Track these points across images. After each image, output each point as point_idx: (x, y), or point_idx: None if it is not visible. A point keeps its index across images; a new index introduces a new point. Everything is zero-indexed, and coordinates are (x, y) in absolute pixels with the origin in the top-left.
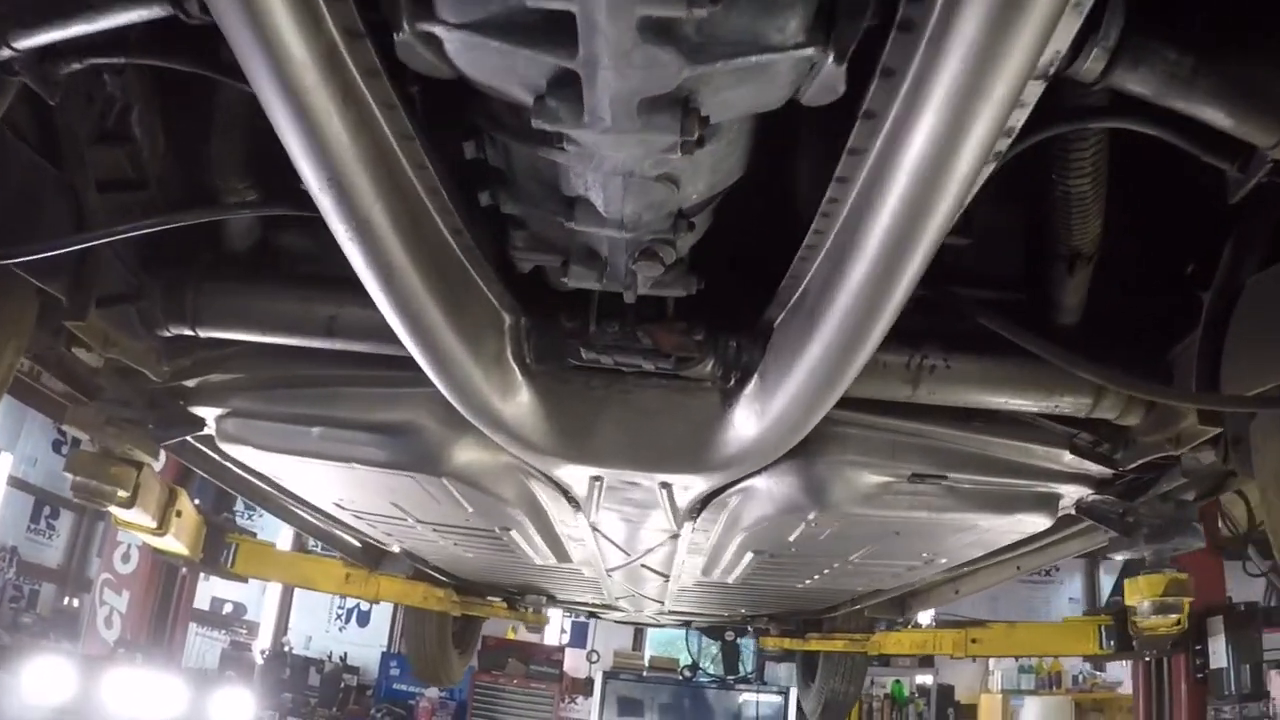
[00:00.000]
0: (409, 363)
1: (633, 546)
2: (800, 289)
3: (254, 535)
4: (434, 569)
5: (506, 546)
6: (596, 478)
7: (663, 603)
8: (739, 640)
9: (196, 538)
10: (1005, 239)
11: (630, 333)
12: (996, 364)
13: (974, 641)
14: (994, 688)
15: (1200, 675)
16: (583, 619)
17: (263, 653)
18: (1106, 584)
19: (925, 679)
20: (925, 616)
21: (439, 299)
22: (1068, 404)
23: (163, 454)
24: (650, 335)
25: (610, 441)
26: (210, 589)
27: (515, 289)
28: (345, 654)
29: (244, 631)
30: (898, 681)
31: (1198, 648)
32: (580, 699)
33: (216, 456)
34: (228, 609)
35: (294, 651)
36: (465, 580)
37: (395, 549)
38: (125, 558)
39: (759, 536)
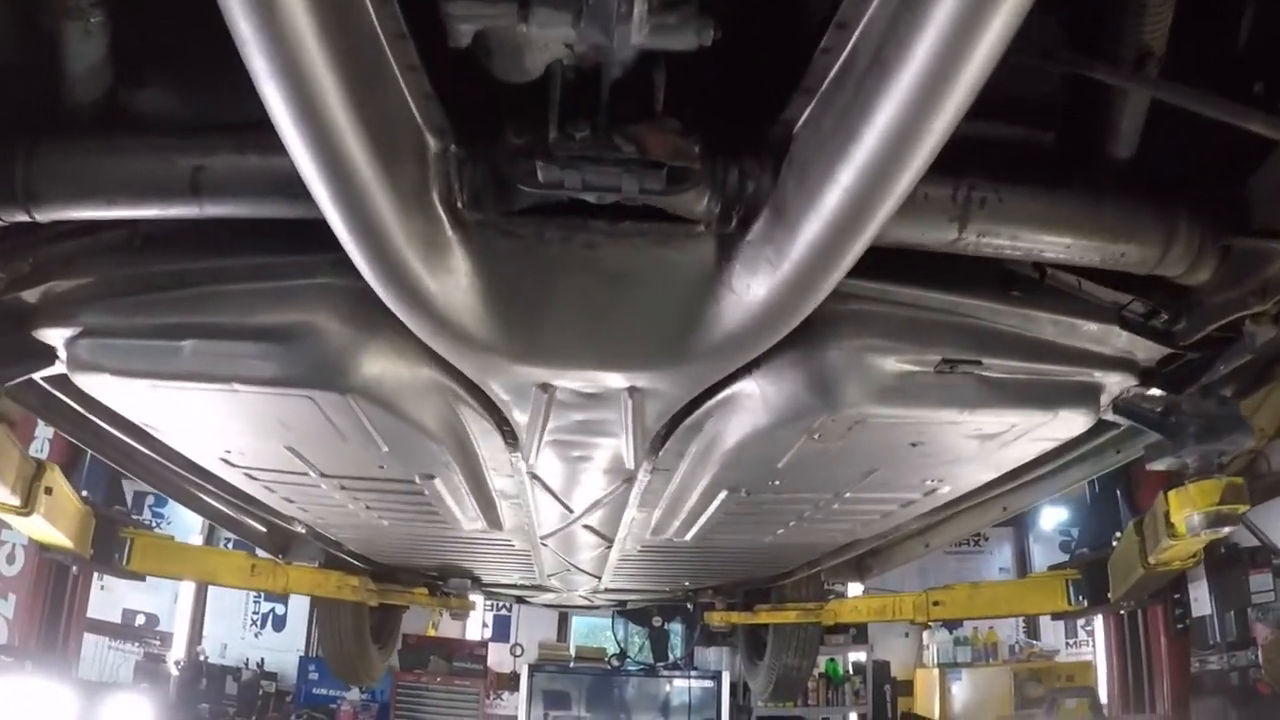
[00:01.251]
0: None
1: (575, 500)
2: (842, 58)
3: (151, 529)
4: (348, 554)
5: (428, 507)
6: (545, 387)
7: (599, 578)
8: (667, 625)
9: (82, 530)
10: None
11: (605, 137)
12: (1052, 202)
13: (936, 604)
14: (929, 662)
15: (1181, 625)
16: (505, 612)
17: (177, 663)
18: (1036, 552)
19: (859, 656)
20: (854, 589)
21: (350, 100)
22: (1133, 253)
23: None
24: (634, 139)
25: (567, 326)
26: (120, 600)
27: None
28: (262, 660)
29: (157, 643)
30: (832, 660)
31: (1176, 596)
32: (506, 694)
33: (73, 404)
34: (140, 620)
35: (209, 660)
36: (381, 564)
37: (300, 528)
38: (10, 558)
39: (740, 464)
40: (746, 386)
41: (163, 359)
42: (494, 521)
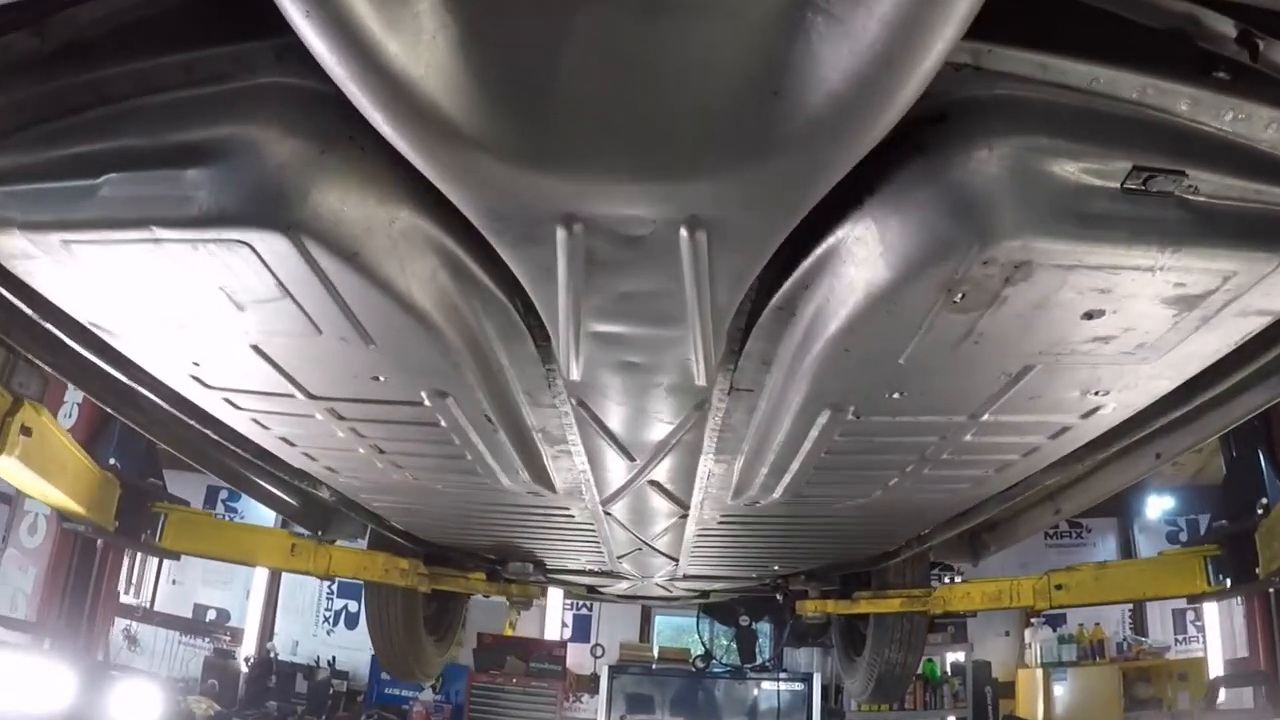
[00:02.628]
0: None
1: (636, 442)
2: None
3: (187, 504)
4: (391, 530)
5: (454, 450)
6: (568, 222)
7: (676, 561)
8: (755, 625)
9: (100, 497)
10: None
11: None
12: None
13: (1059, 588)
14: (1032, 662)
15: None
16: (586, 611)
17: (247, 660)
18: (1141, 543)
19: (958, 656)
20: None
21: None
22: None
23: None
24: None
25: (586, 97)
26: (191, 595)
27: None
28: (334, 658)
29: (228, 638)
30: (930, 660)
31: None
32: (586, 697)
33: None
34: (211, 616)
35: (280, 658)
36: (430, 544)
37: (326, 493)
38: (32, 528)
39: (848, 364)
40: (856, 229)
41: (74, 202)
42: (541, 477)
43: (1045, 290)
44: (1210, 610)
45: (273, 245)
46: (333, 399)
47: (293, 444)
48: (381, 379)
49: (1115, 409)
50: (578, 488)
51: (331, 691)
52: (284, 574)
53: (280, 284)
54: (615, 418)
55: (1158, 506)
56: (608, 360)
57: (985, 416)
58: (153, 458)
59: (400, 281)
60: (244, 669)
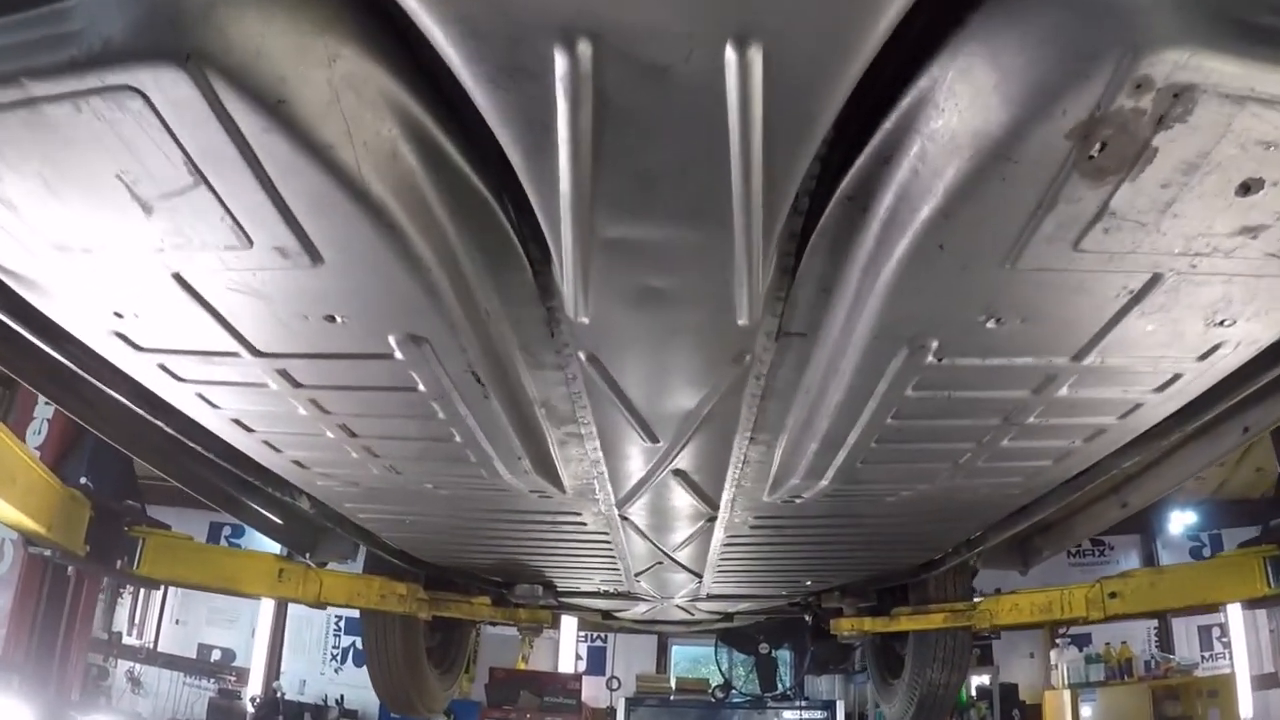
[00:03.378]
0: None
1: (658, 414)
2: None
3: (168, 528)
4: (384, 550)
5: (439, 428)
6: (568, 42)
7: (700, 577)
8: (775, 652)
9: (67, 518)
10: None
11: None
12: None
13: (1112, 596)
14: (1059, 683)
15: None
16: (601, 642)
17: (253, 700)
18: (1164, 558)
19: (983, 679)
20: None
21: None
22: None
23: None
24: None
25: None
26: (196, 635)
27: None
28: (342, 696)
29: (233, 678)
30: None
31: None
32: None
33: None
34: (216, 655)
35: (286, 697)
36: (429, 564)
37: (307, 503)
38: None
39: (941, 269)
40: (958, 59)
41: None
42: (546, 468)
43: (1204, 140)
44: (1235, 624)
45: (170, 89)
46: (284, 355)
47: (249, 428)
48: (339, 320)
49: (1237, 348)
50: (590, 485)
51: None
52: (289, 611)
53: (188, 158)
54: (634, 380)
55: (1180, 522)
56: (624, 288)
57: (1089, 358)
58: (130, 478)
59: (346, 152)
60: (250, 709)
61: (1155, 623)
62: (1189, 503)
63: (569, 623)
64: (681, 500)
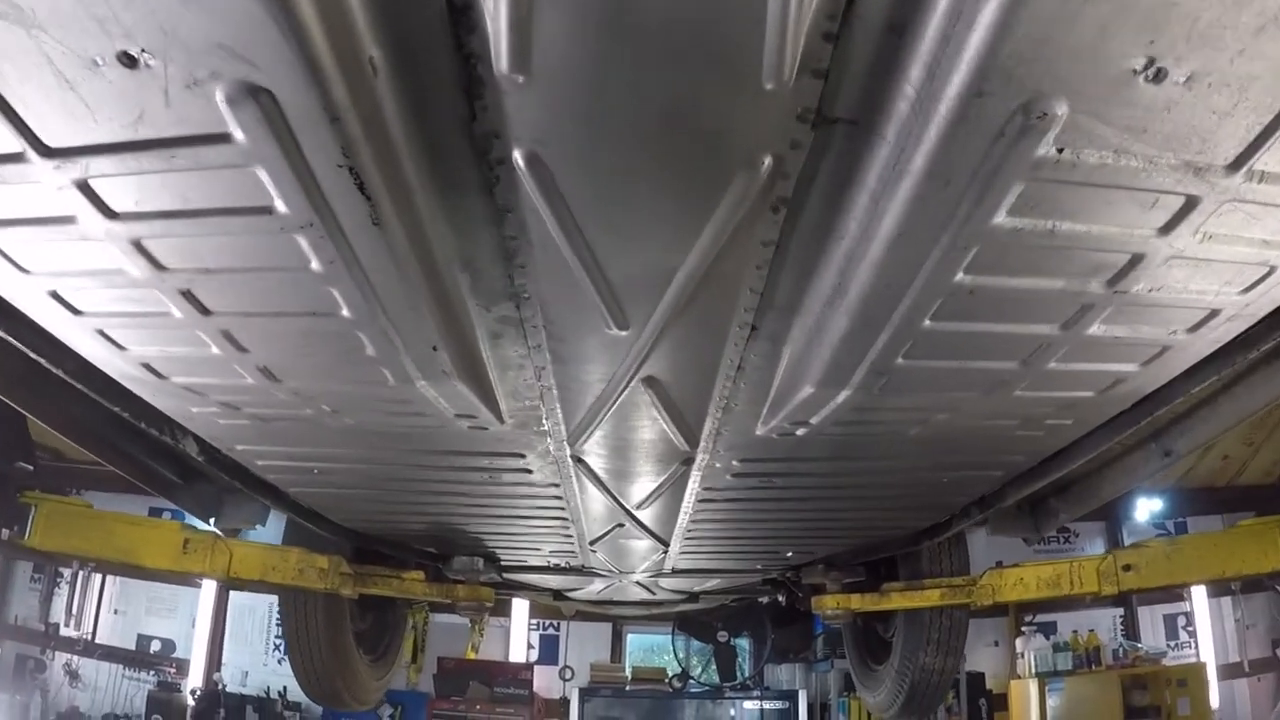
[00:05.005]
0: None
1: (631, 272)
2: None
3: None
4: (295, 509)
5: (319, 303)
6: None
7: (666, 546)
8: (734, 641)
9: None
10: None
11: None
12: None
13: (1126, 569)
14: (1024, 672)
15: None
16: (554, 630)
17: (193, 693)
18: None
19: None
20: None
21: None
22: None
23: None
24: None
25: None
26: (135, 625)
27: None
28: (285, 688)
29: (173, 670)
30: None
31: None
32: None
33: None
34: (155, 647)
35: (228, 689)
36: (355, 532)
37: (193, 448)
38: None
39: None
40: None
41: None
42: (474, 375)
43: None
44: (1201, 613)
45: None
46: (82, 151)
47: (74, 308)
48: (143, 61)
49: None
50: (534, 410)
51: None
52: (230, 600)
53: None
54: (598, 208)
55: (1146, 509)
56: (587, 18)
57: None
58: (21, 438)
59: None
60: (190, 702)
61: (1121, 610)
62: (1154, 490)
63: (520, 610)
64: (652, 431)
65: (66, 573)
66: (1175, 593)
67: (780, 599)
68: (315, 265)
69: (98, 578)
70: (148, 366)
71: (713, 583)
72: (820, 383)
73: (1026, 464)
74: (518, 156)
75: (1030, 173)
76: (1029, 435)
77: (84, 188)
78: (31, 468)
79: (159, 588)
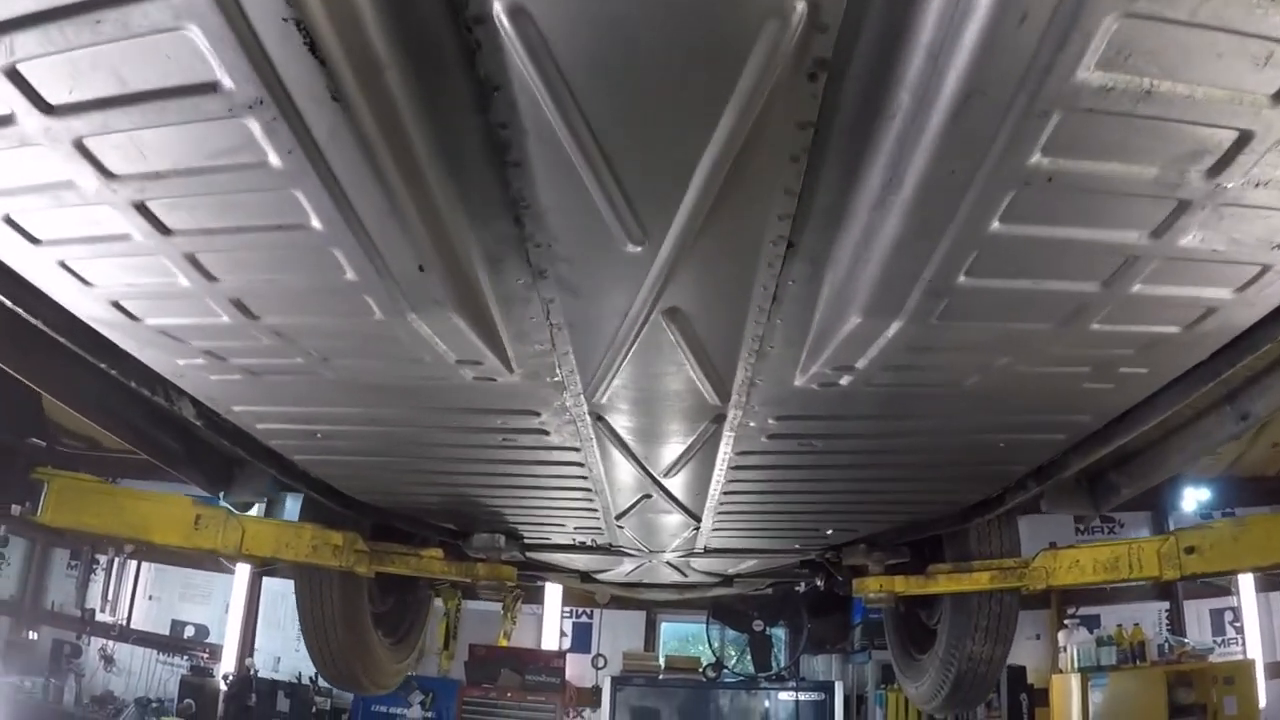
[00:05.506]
0: None
1: (646, 136)
2: None
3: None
4: (304, 480)
5: (288, 216)
6: None
7: (698, 522)
8: (769, 630)
9: None
10: None
11: None
12: None
13: (1189, 551)
14: (1067, 666)
15: None
16: (586, 618)
17: (226, 678)
18: None
19: None
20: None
21: None
22: None
23: None
24: None
25: None
26: (169, 611)
27: None
28: (316, 674)
29: (205, 655)
30: None
31: None
32: (587, 711)
33: None
34: (189, 632)
35: (260, 674)
36: (369, 505)
37: (190, 410)
38: None
39: None
40: None
41: None
42: (468, 302)
43: None
44: (1249, 608)
45: None
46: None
47: (34, 236)
48: None
49: None
50: (545, 356)
51: (315, 709)
52: (264, 586)
53: None
54: (594, 86)
55: (1194, 499)
56: None
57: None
58: (35, 413)
59: None
60: (223, 687)
61: (1166, 604)
62: (1202, 479)
63: (553, 598)
64: (678, 380)
65: (103, 559)
66: (1222, 587)
67: (819, 583)
68: (273, 159)
69: (133, 564)
70: (118, 306)
71: (748, 564)
72: (868, 310)
73: (1092, 425)
74: (499, 11)
75: (1125, 4)
76: (1099, 389)
77: (13, 76)
78: (44, 443)
79: (193, 574)
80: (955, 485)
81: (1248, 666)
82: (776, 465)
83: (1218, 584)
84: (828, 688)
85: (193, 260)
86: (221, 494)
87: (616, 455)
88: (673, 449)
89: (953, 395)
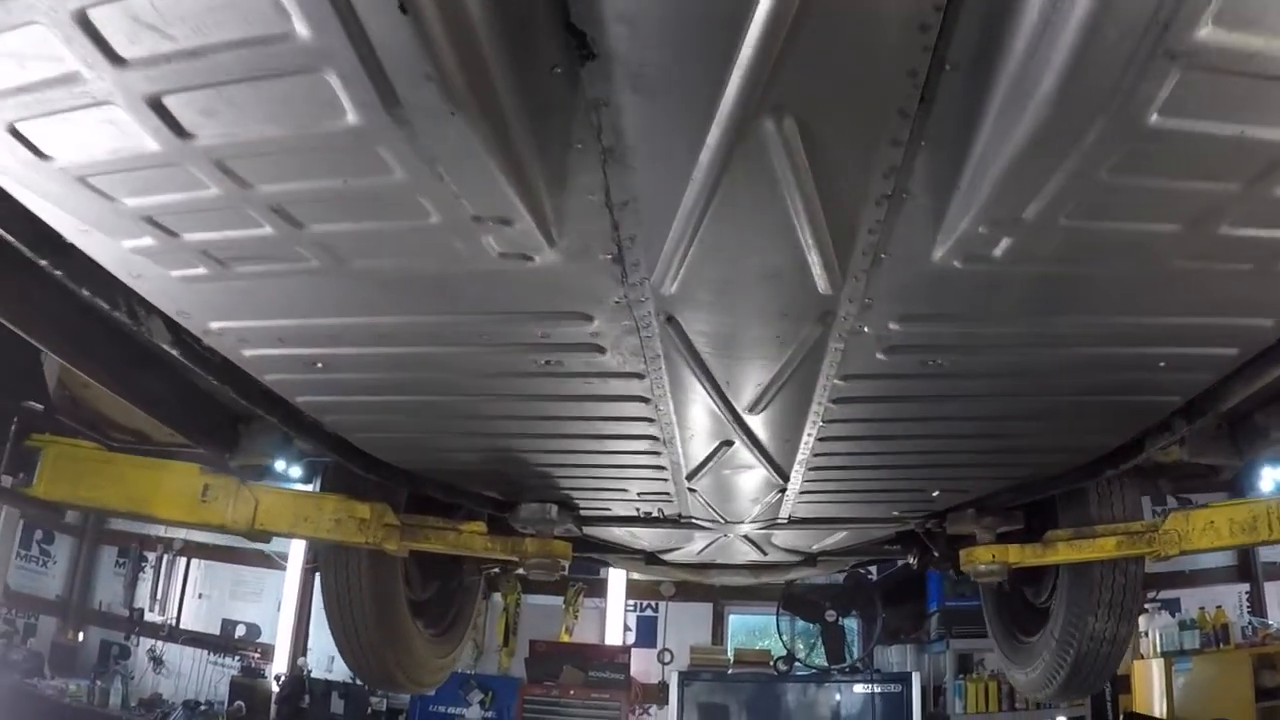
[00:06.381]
0: None
1: None
2: None
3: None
4: (320, 438)
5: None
6: None
7: (784, 485)
8: (842, 621)
9: None
10: None
11: None
12: None
13: None
14: (1148, 651)
15: None
16: (651, 612)
17: (278, 678)
18: None
19: None
20: None
21: None
22: None
23: None
24: None
25: None
26: (219, 610)
27: None
28: None
29: (257, 655)
30: None
31: None
32: (654, 708)
33: None
34: (240, 632)
35: (313, 675)
36: (389, 459)
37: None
38: None
39: None
40: None
41: None
42: (479, 100)
43: None
44: None
45: None
46: None
47: None
48: None
49: None
50: (597, 217)
51: (370, 710)
52: (316, 584)
53: None
54: None
55: (1271, 478)
56: None
57: None
58: (33, 373)
59: None
60: (275, 689)
61: (1247, 586)
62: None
63: (617, 590)
64: (778, 248)
65: (151, 556)
66: None
67: (910, 560)
68: None
69: (182, 561)
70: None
71: (836, 537)
72: (1041, 119)
73: (1272, 335)
74: None
75: None
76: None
77: None
78: (41, 407)
79: (244, 571)
80: (1097, 423)
81: None
82: (887, 397)
83: None
84: (904, 679)
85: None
86: (228, 456)
87: (690, 383)
88: (761, 369)
89: (1124, 282)
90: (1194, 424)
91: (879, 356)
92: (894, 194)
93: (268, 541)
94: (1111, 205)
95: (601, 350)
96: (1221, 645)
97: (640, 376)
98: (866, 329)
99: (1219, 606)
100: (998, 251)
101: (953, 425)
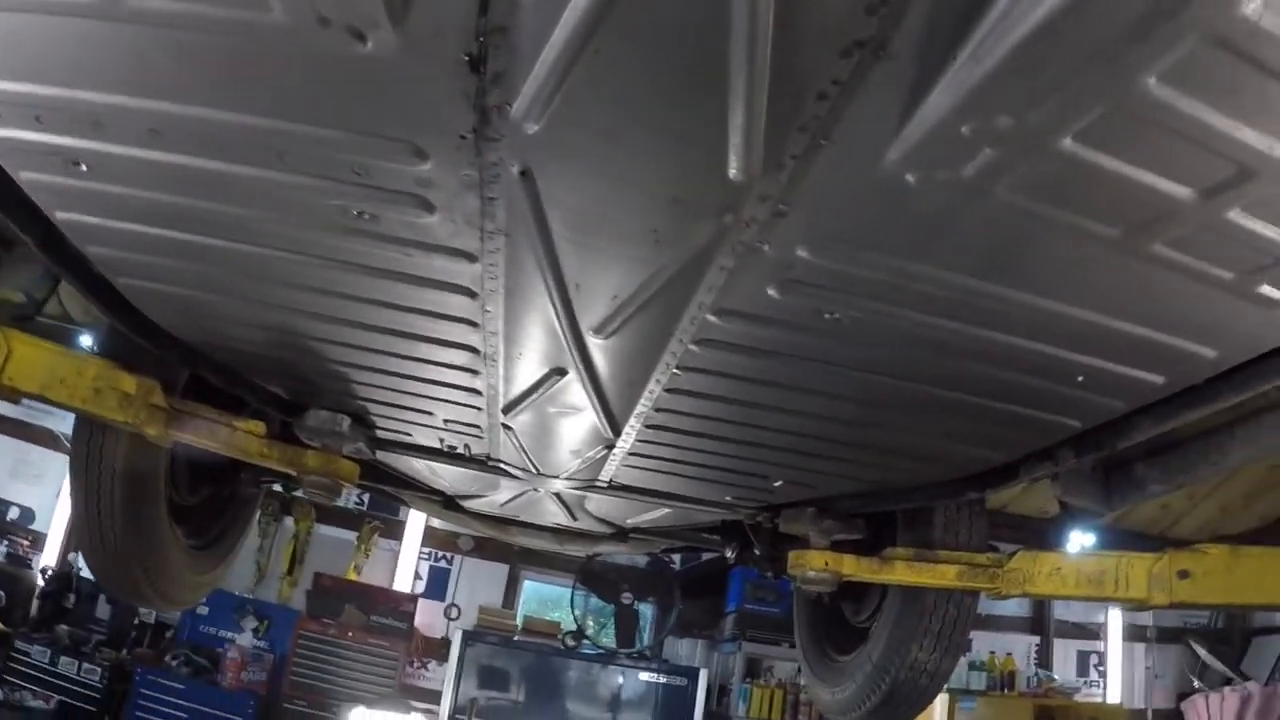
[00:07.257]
0: None
1: None
2: None
3: None
4: (87, 278)
5: None
6: None
7: (616, 436)
8: (638, 605)
9: None
10: None
11: None
12: None
13: (1183, 575)
14: None
15: None
16: (445, 564)
17: (44, 572)
18: None
19: None
20: None
21: None
22: None
23: None
24: None
25: None
26: None
27: None
28: None
29: (28, 543)
30: None
31: None
32: (433, 664)
33: None
34: (13, 514)
35: (83, 574)
36: (167, 324)
37: None
38: None
39: None
40: None
41: None
42: None
43: None
44: (1114, 655)
45: None
46: None
47: None
48: None
49: None
50: None
51: (137, 622)
52: None
53: None
54: None
55: (1078, 542)
56: None
57: None
58: None
59: None
60: (40, 582)
61: (1037, 639)
62: (1091, 524)
63: (413, 535)
64: (683, 103)
65: None
66: (1090, 630)
67: (729, 553)
68: None
69: None
70: None
71: (656, 514)
72: None
73: (1214, 366)
74: None
75: None
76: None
77: None
78: None
79: (29, 449)
80: (982, 433)
81: (1118, 712)
82: (762, 349)
83: (1088, 627)
84: (691, 673)
85: None
86: None
87: (533, 280)
88: (623, 276)
89: (1087, 258)
90: (1080, 457)
91: (770, 292)
92: (869, 43)
93: (16, 402)
94: (1125, 141)
95: (430, 208)
96: (1006, 691)
97: (472, 259)
98: (767, 248)
99: (1009, 654)
100: (970, 169)
101: (822, 403)
